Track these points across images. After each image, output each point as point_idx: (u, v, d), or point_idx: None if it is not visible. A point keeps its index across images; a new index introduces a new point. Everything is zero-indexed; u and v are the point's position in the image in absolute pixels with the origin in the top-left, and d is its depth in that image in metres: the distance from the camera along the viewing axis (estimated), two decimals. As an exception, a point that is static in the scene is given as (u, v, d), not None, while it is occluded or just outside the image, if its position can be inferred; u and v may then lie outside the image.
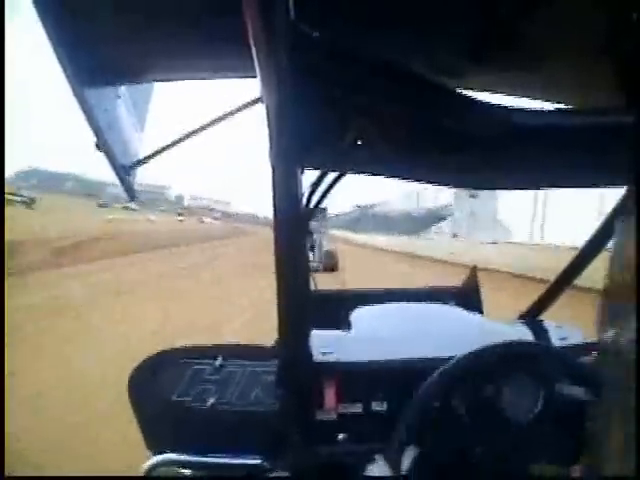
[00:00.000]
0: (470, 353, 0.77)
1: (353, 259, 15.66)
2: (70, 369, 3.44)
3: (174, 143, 0.91)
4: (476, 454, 0.77)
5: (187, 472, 0.88)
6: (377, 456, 0.74)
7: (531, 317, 1.17)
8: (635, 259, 0.45)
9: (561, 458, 0.70)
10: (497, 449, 0.77)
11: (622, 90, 0.63)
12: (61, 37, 0.61)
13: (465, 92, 0.66)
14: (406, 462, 0.72)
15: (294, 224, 0.71)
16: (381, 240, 32.76)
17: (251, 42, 0.47)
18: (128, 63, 0.76)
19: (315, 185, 0.96)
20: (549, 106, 0.80)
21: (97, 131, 0.74)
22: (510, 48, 0.62)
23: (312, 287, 1.13)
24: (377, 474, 0.73)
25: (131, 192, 0.90)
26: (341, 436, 0.85)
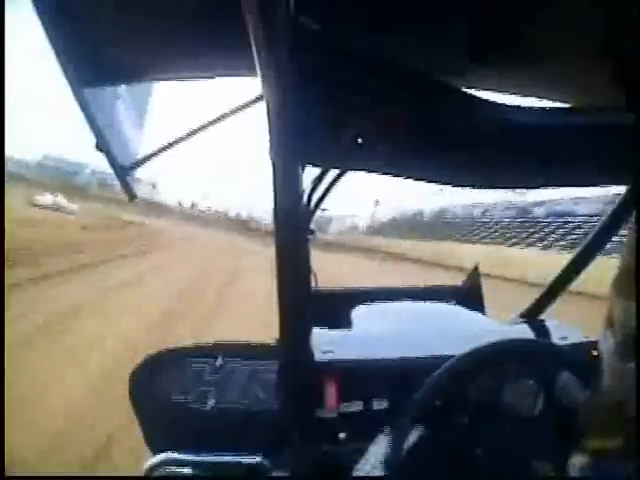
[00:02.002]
0: (473, 350, 0.77)
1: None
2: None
3: (174, 142, 0.90)
4: (477, 451, 0.77)
5: (188, 471, 0.88)
6: (383, 434, 0.74)
7: (531, 316, 1.17)
8: (635, 259, 0.45)
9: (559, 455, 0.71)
10: (497, 446, 0.77)
11: (621, 90, 0.64)
12: (60, 37, 0.61)
13: (466, 91, 0.66)
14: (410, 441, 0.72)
15: (295, 222, 0.71)
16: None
17: (251, 40, 0.47)
18: (128, 63, 0.76)
19: (316, 184, 0.96)
20: (549, 105, 0.80)
21: (96, 131, 0.74)
22: (510, 47, 0.62)
23: (313, 285, 1.13)
24: (378, 455, 0.73)
25: (130, 192, 0.90)
26: (342, 435, 0.85)
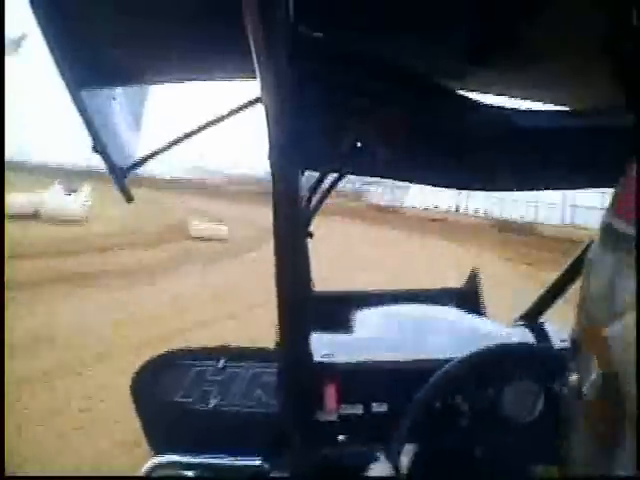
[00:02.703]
0: (472, 353, 0.77)
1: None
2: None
3: (171, 144, 0.90)
4: (476, 453, 0.78)
5: (188, 473, 0.88)
6: (378, 454, 0.75)
7: (531, 319, 1.18)
8: (635, 262, 0.44)
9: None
10: (497, 449, 0.77)
11: (621, 92, 0.63)
12: (58, 39, 0.61)
13: (465, 94, 0.66)
14: (406, 460, 0.72)
15: (294, 225, 0.71)
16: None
17: (251, 45, 0.47)
18: (126, 65, 0.76)
19: (315, 186, 0.96)
20: (549, 107, 0.80)
21: (93, 133, 0.73)
22: (510, 50, 0.62)
23: (312, 288, 1.13)
24: (377, 473, 0.73)
25: (127, 194, 0.89)
26: (342, 437, 0.85)
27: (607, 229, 0.42)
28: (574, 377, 0.43)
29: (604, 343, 0.38)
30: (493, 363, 0.79)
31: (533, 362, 0.82)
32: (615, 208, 0.42)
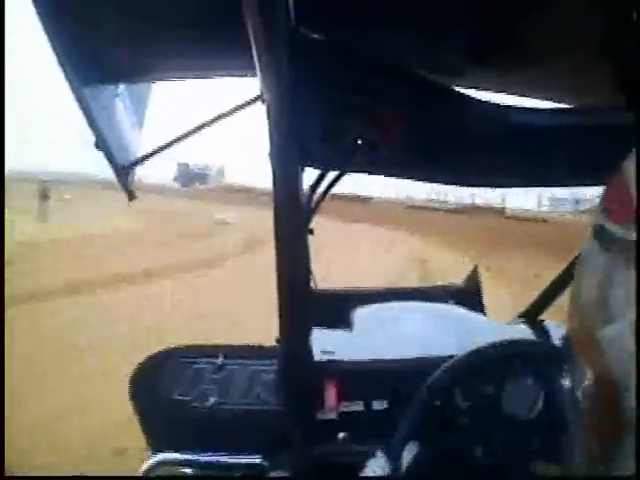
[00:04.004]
0: (472, 350, 0.77)
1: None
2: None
3: (173, 142, 0.90)
4: (477, 452, 0.77)
5: (187, 471, 0.88)
6: (378, 452, 0.74)
7: (531, 317, 1.17)
8: (636, 261, 0.44)
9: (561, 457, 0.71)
10: (498, 447, 0.77)
11: (621, 90, 0.64)
12: (60, 36, 0.61)
13: (465, 91, 0.66)
14: (406, 458, 0.72)
15: (295, 223, 0.71)
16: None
17: (252, 45, 0.47)
18: (128, 63, 0.76)
19: (316, 183, 0.96)
20: (548, 105, 0.80)
21: (96, 130, 0.73)
22: (510, 48, 0.63)
23: (313, 286, 1.13)
24: (377, 471, 0.73)
25: (129, 192, 0.89)
26: (342, 435, 0.85)
27: (598, 230, 0.41)
28: (567, 382, 0.41)
29: (597, 347, 0.36)
30: (495, 360, 0.79)
31: (535, 359, 0.81)
32: (606, 209, 0.41)
